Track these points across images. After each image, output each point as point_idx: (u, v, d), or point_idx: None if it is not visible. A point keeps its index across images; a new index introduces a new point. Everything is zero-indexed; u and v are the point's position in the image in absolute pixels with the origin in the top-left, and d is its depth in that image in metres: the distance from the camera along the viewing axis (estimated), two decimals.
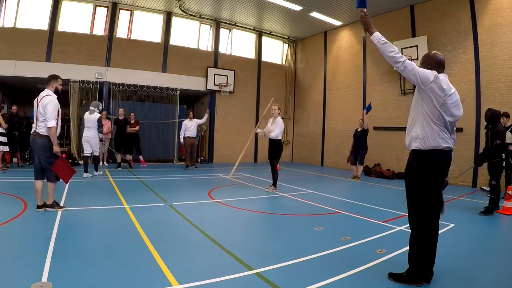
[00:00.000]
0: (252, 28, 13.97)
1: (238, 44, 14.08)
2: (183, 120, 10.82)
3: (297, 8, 11.21)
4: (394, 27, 10.91)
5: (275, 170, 7.15)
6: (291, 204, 6.00)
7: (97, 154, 8.34)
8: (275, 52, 15.36)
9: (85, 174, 7.84)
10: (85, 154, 8.14)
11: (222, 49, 13.54)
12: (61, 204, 4.86)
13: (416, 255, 2.69)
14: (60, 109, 4.67)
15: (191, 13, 12.33)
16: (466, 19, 9.01)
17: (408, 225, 2.87)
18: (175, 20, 12.52)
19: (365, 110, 9.54)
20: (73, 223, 4.14)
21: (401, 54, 2.61)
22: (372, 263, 3.14)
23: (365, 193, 7.81)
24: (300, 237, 4.01)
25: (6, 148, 8.20)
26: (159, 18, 12.29)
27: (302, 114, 15.10)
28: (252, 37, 14.43)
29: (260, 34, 14.39)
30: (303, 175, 10.51)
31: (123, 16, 11.68)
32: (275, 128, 6.94)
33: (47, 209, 4.59)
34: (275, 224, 4.83)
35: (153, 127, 12.01)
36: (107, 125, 10.20)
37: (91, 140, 8.07)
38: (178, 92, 12.38)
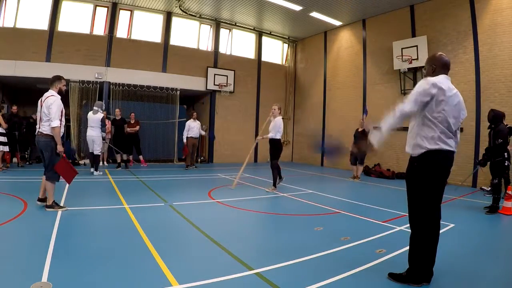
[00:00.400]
0: (252, 28, 13.97)
1: (238, 44, 14.08)
2: (183, 120, 10.84)
3: (297, 8, 11.21)
4: (394, 27, 10.91)
5: (275, 170, 7.14)
6: (291, 204, 6.00)
7: (98, 153, 8.62)
8: (275, 52, 15.36)
9: (93, 170, 8.37)
10: (90, 152, 8.69)
11: (222, 49, 13.54)
12: (61, 204, 4.87)
13: (416, 255, 2.68)
14: (64, 109, 4.77)
15: (191, 13, 12.33)
16: (466, 19, 9.00)
17: (408, 225, 2.87)
18: (175, 20, 12.52)
19: (364, 115, 9.58)
20: (73, 223, 4.14)
21: (392, 113, 2.62)
22: (372, 263, 3.14)
23: (365, 193, 7.81)
24: (300, 237, 4.01)
25: (6, 148, 8.20)
26: (159, 18, 12.29)
27: (302, 114, 15.10)
28: (252, 37, 14.43)
29: (260, 34, 14.39)
30: (303, 175, 10.50)
31: (123, 16, 11.68)
32: (272, 128, 6.97)
33: (47, 209, 4.60)
34: (275, 224, 4.83)
35: (153, 127, 12.02)
36: (107, 125, 10.21)
37: (96, 139, 8.50)
38: (178, 92, 12.38)
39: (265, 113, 13.94)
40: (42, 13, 10.47)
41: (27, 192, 5.50)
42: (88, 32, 11.17)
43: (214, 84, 12.97)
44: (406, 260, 2.78)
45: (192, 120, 10.69)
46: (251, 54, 14.43)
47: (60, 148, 4.62)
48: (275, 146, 7.07)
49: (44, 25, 10.45)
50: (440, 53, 2.83)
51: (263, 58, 14.60)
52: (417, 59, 9.77)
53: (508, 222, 5.18)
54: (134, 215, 4.60)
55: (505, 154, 5.59)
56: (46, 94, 4.67)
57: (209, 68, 12.92)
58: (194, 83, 12.77)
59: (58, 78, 4.78)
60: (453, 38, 9.33)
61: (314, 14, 11.80)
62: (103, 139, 9.06)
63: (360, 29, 12.25)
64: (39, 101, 4.71)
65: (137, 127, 10.45)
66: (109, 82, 11.25)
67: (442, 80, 2.63)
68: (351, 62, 12.65)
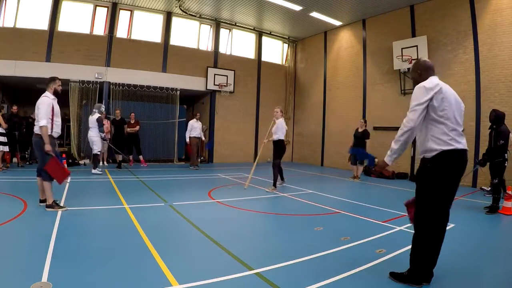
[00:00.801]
0: (252, 28, 13.97)
1: (238, 44, 14.08)
2: (183, 120, 10.86)
3: (297, 8, 11.21)
4: (394, 27, 10.91)
5: (275, 169, 7.18)
6: (291, 204, 6.00)
7: (97, 153, 8.85)
8: (275, 52, 15.36)
9: (93, 170, 8.60)
10: (93, 152, 9.01)
11: (222, 49, 13.54)
12: (61, 204, 4.87)
13: (418, 256, 2.67)
14: (58, 109, 4.81)
15: (191, 13, 12.33)
16: (466, 19, 9.00)
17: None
18: (175, 20, 12.52)
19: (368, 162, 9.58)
20: (73, 223, 4.13)
21: (398, 135, 2.68)
22: (372, 263, 3.14)
23: (365, 193, 7.81)
24: (300, 237, 4.01)
25: (6, 148, 8.21)
26: (159, 18, 12.29)
27: (302, 114, 15.10)
28: (252, 37, 14.43)
29: (260, 34, 14.39)
30: (303, 175, 10.50)
31: (123, 16, 11.68)
32: (276, 130, 7.17)
33: (47, 209, 4.61)
34: (275, 224, 4.84)
35: (153, 127, 12.02)
36: (106, 125, 10.21)
37: (94, 139, 8.90)
38: (178, 92, 12.38)
39: (265, 113, 13.99)
40: (42, 13, 10.48)
41: (27, 192, 5.51)
42: (88, 32, 11.17)
43: (214, 84, 12.97)
44: (406, 260, 2.78)
45: (195, 120, 10.78)
46: (251, 54, 14.43)
47: (47, 147, 4.58)
48: (278, 146, 7.22)
49: (44, 25, 10.45)
50: (424, 59, 2.92)
51: (263, 58, 14.60)
52: (417, 59, 9.75)
53: (508, 222, 5.18)
54: (134, 215, 4.60)
55: (505, 155, 5.60)
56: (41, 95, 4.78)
57: (209, 68, 12.92)
58: (194, 83, 12.77)
59: (52, 79, 4.86)
60: (453, 38, 9.33)
61: (314, 14, 11.80)
62: (103, 139, 9.21)
63: (360, 29, 12.25)
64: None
65: (137, 127, 10.47)
66: (109, 82, 11.25)
67: (432, 80, 2.68)
68: (351, 62, 12.64)
